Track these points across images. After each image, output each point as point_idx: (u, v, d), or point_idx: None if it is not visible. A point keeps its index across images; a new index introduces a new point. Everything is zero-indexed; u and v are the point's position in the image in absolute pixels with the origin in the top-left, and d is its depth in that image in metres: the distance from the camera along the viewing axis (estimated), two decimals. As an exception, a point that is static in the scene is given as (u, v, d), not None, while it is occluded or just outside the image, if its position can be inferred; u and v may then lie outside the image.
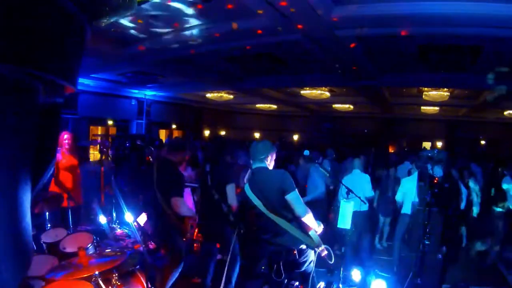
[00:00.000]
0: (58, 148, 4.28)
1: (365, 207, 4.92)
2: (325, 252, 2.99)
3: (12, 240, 0.48)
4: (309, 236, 2.95)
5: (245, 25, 5.51)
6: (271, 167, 3.11)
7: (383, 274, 4.62)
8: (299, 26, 5.35)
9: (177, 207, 3.27)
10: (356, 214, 4.58)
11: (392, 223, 5.91)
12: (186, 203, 3.61)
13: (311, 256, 3.08)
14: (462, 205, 5.34)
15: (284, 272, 2.95)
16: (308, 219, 2.91)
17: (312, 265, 3.11)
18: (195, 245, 4.52)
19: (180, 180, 3.46)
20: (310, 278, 3.10)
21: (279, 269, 2.96)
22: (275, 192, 2.87)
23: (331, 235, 4.58)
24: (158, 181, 3.46)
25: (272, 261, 3.05)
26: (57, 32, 0.53)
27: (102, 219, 5.12)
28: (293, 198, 2.84)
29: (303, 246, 2.98)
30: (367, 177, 5.15)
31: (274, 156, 3.15)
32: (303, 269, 3.07)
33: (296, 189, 2.87)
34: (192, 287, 4.04)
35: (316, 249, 2.98)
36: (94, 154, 10.59)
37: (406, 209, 5.08)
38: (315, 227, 2.97)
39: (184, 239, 3.48)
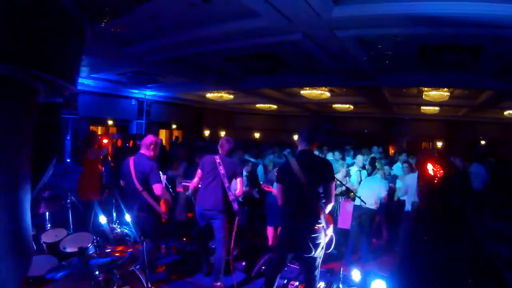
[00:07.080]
0: None
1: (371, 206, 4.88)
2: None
3: (12, 240, 0.48)
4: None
5: (245, 25, 5.50)
6: None
7: (383, 274, 4.62)
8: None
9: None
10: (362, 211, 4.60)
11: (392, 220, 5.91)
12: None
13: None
14: None
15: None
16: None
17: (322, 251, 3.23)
18: None
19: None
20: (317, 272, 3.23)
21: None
22: None
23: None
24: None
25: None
26: (57, 32, 0.53)
27: (102, 219, 5.10)
28: None
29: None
30: (385, 183, 5.01)
31: None
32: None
33: None
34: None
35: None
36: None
37: (408, 206, 5.07)
38: None
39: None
